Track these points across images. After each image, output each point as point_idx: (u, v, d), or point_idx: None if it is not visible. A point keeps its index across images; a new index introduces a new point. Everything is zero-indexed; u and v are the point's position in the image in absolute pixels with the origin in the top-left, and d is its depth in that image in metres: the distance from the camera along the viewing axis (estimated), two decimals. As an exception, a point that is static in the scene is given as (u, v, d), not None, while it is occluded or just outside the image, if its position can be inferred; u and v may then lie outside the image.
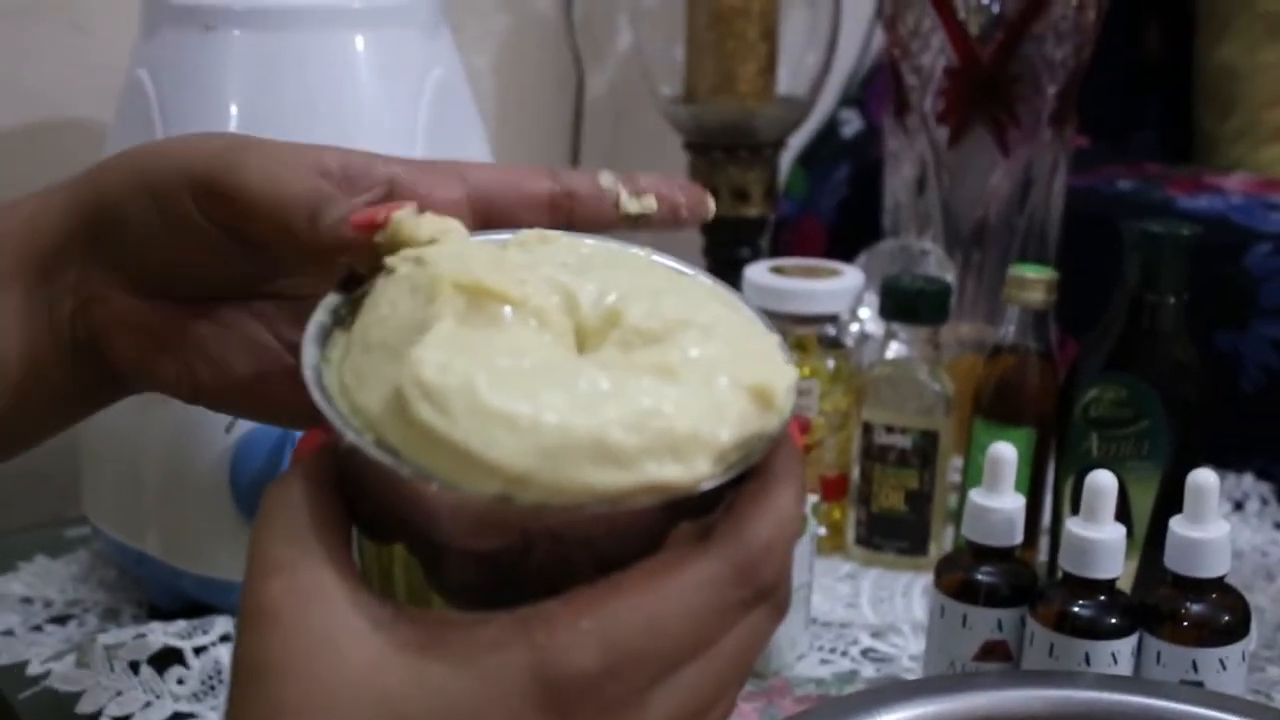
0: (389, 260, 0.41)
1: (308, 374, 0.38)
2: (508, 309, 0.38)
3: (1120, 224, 0.74)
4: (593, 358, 0.39)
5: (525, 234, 0.43)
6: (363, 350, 0.39)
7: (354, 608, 0.36)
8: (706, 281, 0.44)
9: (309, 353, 0.39)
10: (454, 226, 0.42)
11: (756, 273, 0.85)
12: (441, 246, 0.40)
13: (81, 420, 0.52)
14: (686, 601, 0.36)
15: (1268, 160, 1.22)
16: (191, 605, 0.73)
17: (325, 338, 0.40)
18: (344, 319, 0.41)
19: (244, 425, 0.70)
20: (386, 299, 0.39)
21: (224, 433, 0.70)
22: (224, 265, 0.47)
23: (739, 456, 0.38)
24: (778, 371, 0.39)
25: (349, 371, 0.38)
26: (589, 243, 0.43)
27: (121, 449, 0.74)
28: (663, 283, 0.42)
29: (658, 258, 0.44)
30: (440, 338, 0.37)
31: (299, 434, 0.68)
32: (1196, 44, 1.27)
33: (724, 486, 0.38)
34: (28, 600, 0.77)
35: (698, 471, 0.36)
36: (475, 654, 0.35)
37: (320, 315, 0.41)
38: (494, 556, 0.37)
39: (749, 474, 0.38)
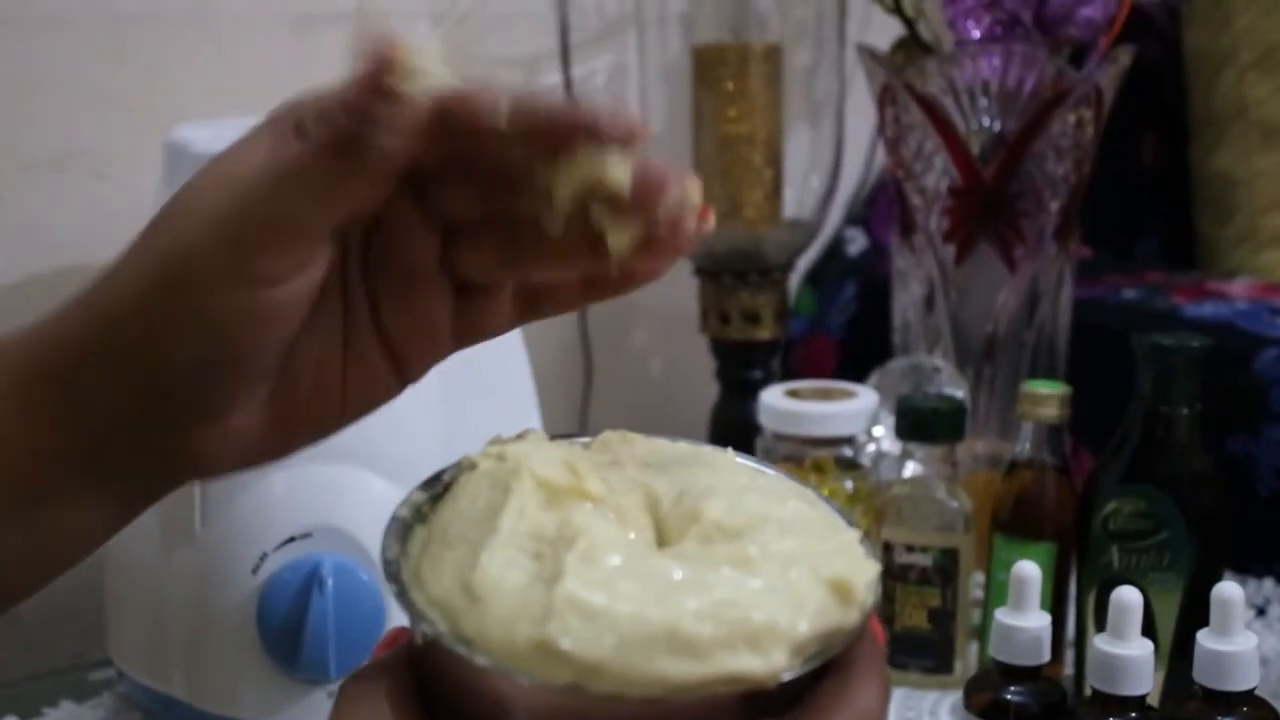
0: (471, 457, 0.41)
1: (385, 567, 0.39)
2: (588, 505, 0.39)
3: (1131, 337, 0.75)
4: (671, 551, 0.39)
5: (608, 434, 0.43)
6: (441, 544, 0.39)
7: None
8: (787, 479, 0.44)
9: (388, 547, 0.40)
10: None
11: (771, 397, 0.86)
12: (523, 444, 0.41)
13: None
14: None
15: (1269, 264, 1.24)
16: (219, 749, 0.73)
17: (406, 533, 0.41)
18: (425, 516, 0.41)
19: (271, 566, 0.70)
20: (467, 494, 0.40)
21: (250, 574, 0.70)
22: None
23: (817, 649, 0.37)
24: (858, 566, 0.39)
25: (427, 565, 0.39)
26: (669, 443, 0.44)
27: (146, 590, 0.74)
28: (744, 481, 0.42)
29: (740, 458, 0.44)
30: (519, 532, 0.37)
31: (329, 574, 0.68)
32: (1192, 153, 1.29)
33: (803, 680, 0.37)
34: (55, 747, 0.77)
35: (774, 663, 0.36)
36: None
37: (402, 511, 0.41)
38: None
39: (828, 668, 0.38)
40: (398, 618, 0.70)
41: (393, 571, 0.39)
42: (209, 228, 0.42)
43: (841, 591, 0.38)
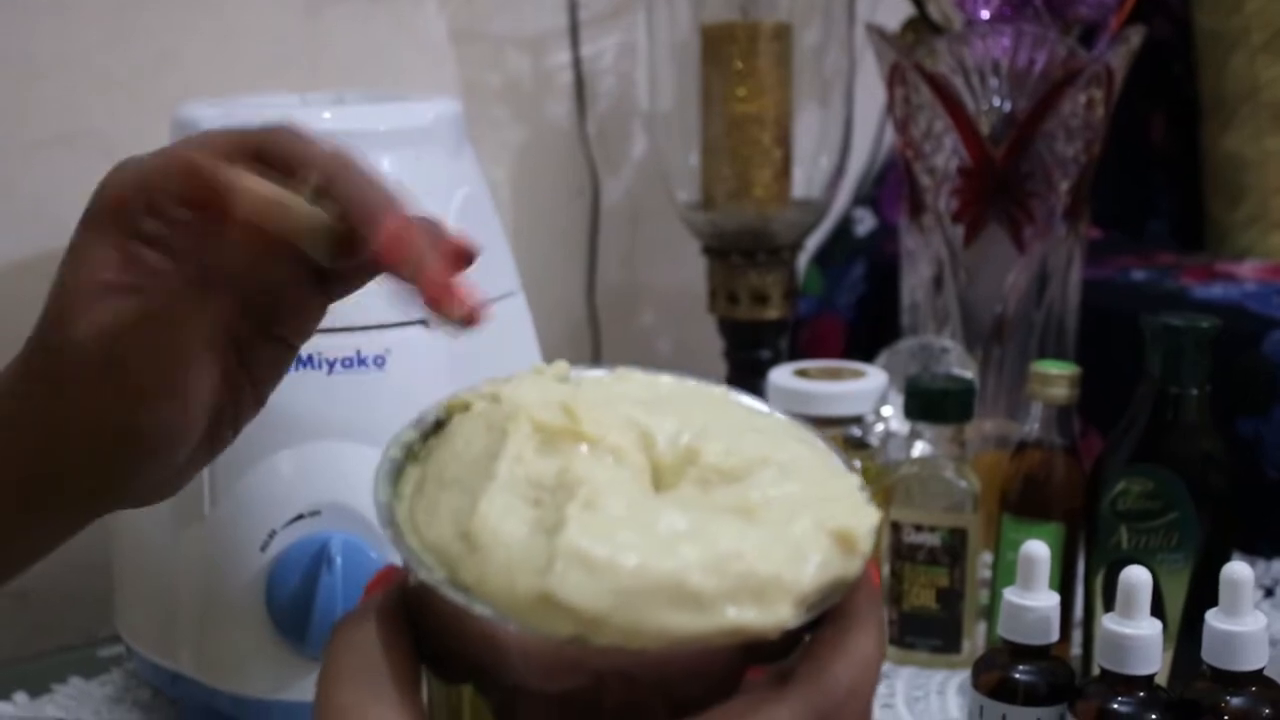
0: (463, 397, 0.41)
1: (379, 510, 0.38)
2: (584, 446, 0.38)
3: (1140, 318, 0.75)
4: (670, 496, 0.38)
5: (600, 373, 0.43)
6: (437, 486, 0.38)
7: None
8: (783, 419, 0.43)
9: (380, 489, 0.39)
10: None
11: (780, 376, 0.86)
12: (517, 384, 0.40)
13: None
14: None
15: (1278, 246, 1.23)
16: (228, 725, 0.73)
17: (398, 474, 0.40)
18: (417, 454, 0.41)
19: (279, 544, 0.70)
20: (462, 436, 0.39)
21: (259, 551, 0.71)
22: None
23: (819, 598, 0.37)
24: (860, 514, 0.39)
25: (422, 508, 0.38)
26: (666, 380, 0.43)
27: (154, 567, 0.74)
28: (740, 420, 0.41)
29: (735, 395, 0.44)
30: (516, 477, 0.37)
31: (337, 552, 0.68)
32: (1203, 134, 1.29)
33: (802, 628, 0.37)
34: (64, 723, 0.77)
35: (779, 616, 0.36)
36: None
37: (394, 452, 0.41)
38: (565, 699, 0.36)
39: (827, 615, 0.38)
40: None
41: (387, 515, 0.38)
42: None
43: (845, 542, 0.37)
